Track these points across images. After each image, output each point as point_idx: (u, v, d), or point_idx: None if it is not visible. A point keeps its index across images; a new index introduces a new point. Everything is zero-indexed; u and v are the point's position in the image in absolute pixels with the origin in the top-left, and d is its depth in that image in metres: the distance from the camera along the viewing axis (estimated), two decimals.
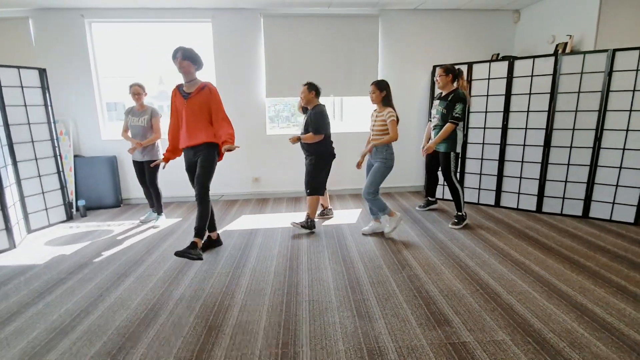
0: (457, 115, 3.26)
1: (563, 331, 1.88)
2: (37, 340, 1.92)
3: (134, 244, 3.27)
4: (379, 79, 4.65)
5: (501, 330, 1.90)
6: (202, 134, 2.72)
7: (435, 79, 3.60)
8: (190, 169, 2.88)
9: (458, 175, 3.63)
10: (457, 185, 3.45)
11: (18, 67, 3.54)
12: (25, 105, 3.59)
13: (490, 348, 1.76)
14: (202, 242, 2.73)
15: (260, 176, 4.82)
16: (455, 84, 3.39)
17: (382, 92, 3.08)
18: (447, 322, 1.98)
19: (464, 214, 3.53)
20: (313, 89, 3.37)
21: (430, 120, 3.69)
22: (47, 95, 3.79)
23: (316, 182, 3.44)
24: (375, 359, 1.70)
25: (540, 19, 4.38)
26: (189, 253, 2.49)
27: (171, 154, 2.97)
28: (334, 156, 3.53)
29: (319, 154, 3.41)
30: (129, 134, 3.68)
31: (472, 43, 4.74)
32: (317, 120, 3.31)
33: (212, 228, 3.10)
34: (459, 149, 3.43)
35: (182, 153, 2.95)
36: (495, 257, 2.82)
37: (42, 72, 3.74)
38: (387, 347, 1.78)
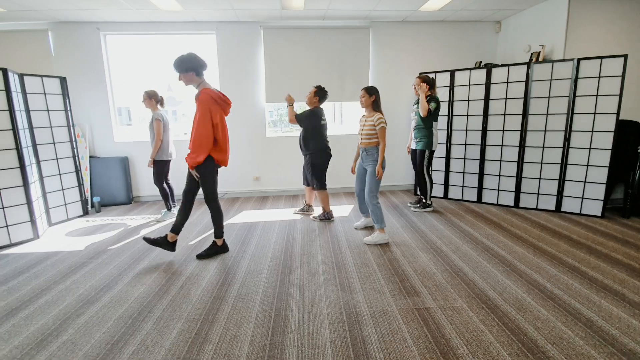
0: (430, 107, 3.84)
1: (513, 300, 2.22)
2: (67, 307, 2.28)
3: (146, 234, 3.63)
4: (369, 83, 5.05)
5: (461, 299, 2.24)
6: (197, 146, 2.75)
7: (413, 86, 4.08)
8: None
9: (431, 170, 4.16)
10: (427, 178, 4.06)
11: (41, 76, 3.93)
12: (48, 110, 3.98)
13: (449, 312, 2.10)
14: (222, 239, 3.02)
15: (261, 175, 5.18)
16: (429, 91, 3.90)
17: (372, 97, 3.24)
18: (416, 293, 2.32)
19: (430, 202, 4.15)
20: (318, 94, 3.75)
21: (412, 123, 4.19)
22: (67, 101, 4.18)
23: (320, 177, 3.81)
24: (352, 320, 2.05)
25: (518, 30, 4.75)
26: (207, 255, 2.92)
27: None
28: (329, 155, 3.85)
29: (314, 151, 3.76)
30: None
31: (456, 52, 5.10)
32: (304, 115, 3.75)
33: (217, 234, 3.02)
34: (434, 148, 3.97)
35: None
36: (469, 244, 3.15)
37: (63, 80, 4.13)
38: (363, 311, 2.13)
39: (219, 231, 3.00)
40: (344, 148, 4.95)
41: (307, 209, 4.21)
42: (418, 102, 4.00)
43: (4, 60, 4.53)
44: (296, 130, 5.46)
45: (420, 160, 4.07)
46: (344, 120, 6.33)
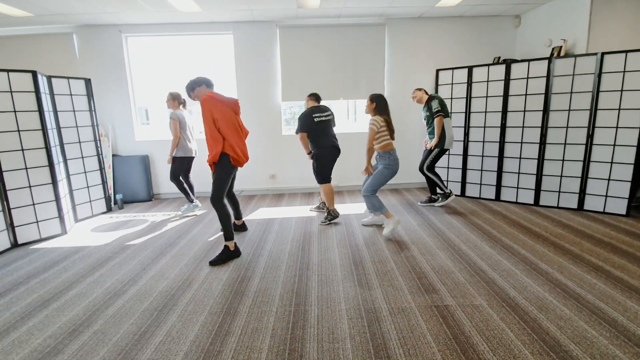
0: (437, 109, 3.85)
1: (534, 299, 2.19)
2: (96, 300, 2.38)
3: (167, 230, 3.73)
4: (385, 83, 5.04)
5: (480, 297, 2.23)
6: (209, 147, 2.86)
7: (412, 97, 4.21)
8: None
9: (433, 167, 4.17)
10: (433, 175, 4.09)
11: (67, 78, 4.08)
12: (74, 111, 4.13)
13: (468, 310, 2.10)
14: (233, 242, 2.95)
15: (276, 173, 5.24)
16: (425, 94, 4.08)
17: (372, 104, 3.31)
18: (435, 291, 2.32)
19: (449, 190, 4.21)
20: (311, 96, 3.84)
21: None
22: (92, 102, 4.32)
23: (322, 171, 3.79)
24: (371, 316, 2.07)
25: (538, 24, 4.64)
26: (220, 260, 2.87)
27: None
28: (336, 150, 3.80)
29: (318, 148, 3.76)
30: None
31: (474, 47, 5.03)
32: (299, 120, 3.78)
33: (227, 236, 2.99)
34: (446, 146, 4.02)
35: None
36: (487, 242, 3.12)
37: (88, 82, 4.28)
38: (381, 308, 2.14)
39: (227, 234, 2.92)
40: (357, 146, 4.96)
41: (323, 207, 4.23)
42: (426, 104, 4.10)
43: (33, 63, 4.72)
44: None
45: (425, 156, 4.13)
46: (357, 118, 6.33)
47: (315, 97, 3.83)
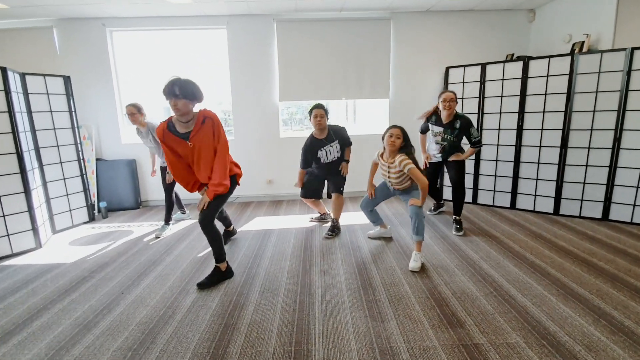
0: (477, 138, 3.28)
1: (579, 334, 1.86)
2: (62, 334, 2.02)
3: (153, 244, 3.38)
4: (390, 82, 4.70)
5: (515, 332, 1.89)
6: (223, 174, 2.47)
7: (443, 105, 3.21)
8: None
9: None
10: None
11: (44, 75, 3.71)
12: (51, 112, 3.76)
13: (503, 350, 1.76)
14: (225, 263, 2.61)
15: (274, 178, 4.89)
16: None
17: (403, 141, 2.74)
18: (460, 324, 1.98)
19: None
20: (327, 114, 3.33)
21: (436, 141, 3.47)
22: (72, 101, 3.96)
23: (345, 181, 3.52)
24: (387, 358, 1.72)
25: (556, 18, 4.32)
26: (210, 283, 2.51)
27: (200, 186, 2.60)
28: None
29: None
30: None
31: (485, 44, 4.70)
32: (346, 133, 3.46)
33: (218, 258, 2.63)
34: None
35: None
36: (511, 259, 2.79)
37: (67, 80, 3.91)
38: (399, 348, 1.80)
39: (219, 255, 2.56)
40: (358, 150, 4.61)
41: (325, 217, 3.89)
42: (445, 126, 3.31)
43: (9, 59, 4.35)
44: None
45: (463, 171, 3.45)
46: (357, 119, 5.97)
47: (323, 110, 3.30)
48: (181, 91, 2.16)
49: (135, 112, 3.33)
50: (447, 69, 4.46)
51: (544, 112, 3.76)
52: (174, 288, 2.51)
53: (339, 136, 3.35)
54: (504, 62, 3.97)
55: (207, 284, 2.49)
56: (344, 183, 3.47)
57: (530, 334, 1.88)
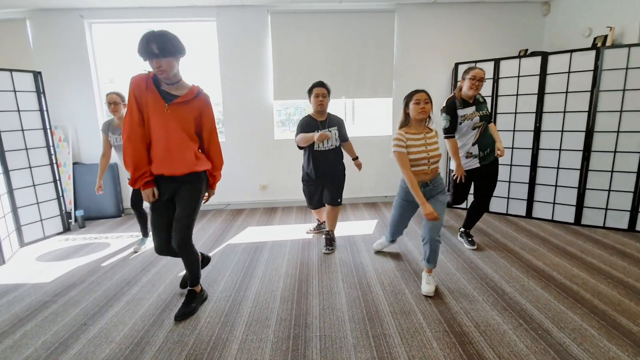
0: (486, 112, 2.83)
1: None
2: None
3: (130, 260, 3.00)
4: (394, 79, 4.35)
5: None
6: (191, 157, 1.93)
7: (470, 84, 2.67)
8: (165, 205, 2.00)
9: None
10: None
11: (10, 70, 3.33)
12: (19, 111, 3.38)
13: None
14: (199, 286, 2.24)
15: (268, 183, 4.53)
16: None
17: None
18: None
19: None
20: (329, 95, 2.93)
21: (474, 126, 2.78)
22: (43, 99, 3.57)
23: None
24: None
25: (573, 11, 3.98)
26: (190, 311, 2.13)
27: (149, 175, 1.93)
28: None
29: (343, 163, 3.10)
30: (112, 155, 3.09)
31: (496, 38, 4.35)
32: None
33: (195, 281, 2.21)
34: None
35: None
36: (536, 280, 2.44)
37: (37, 75, 3.53)
38: None
39: (198, 277, 2.20)
40: (358, 151, 4.25)
41: (322, 225, 3.53)
42: (476, 102, 2.77)
43: None
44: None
45: (492, 187, 2.92)
46: (356, 120, 5.62)
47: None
48: (160, 48, 1.77)
49: (119, 102, 2.91)
50: (457, 65, 4.11)
51: (564, 112, 3.41)
52: (146, 317, 2.13)
53: (338, 124, 2.97)
54: (519, 57, 3.62)
55: (186, 314, 2.12)
56: (342, 191, 3.07)
57: None
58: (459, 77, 3.99)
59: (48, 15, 4.02)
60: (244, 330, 1.98)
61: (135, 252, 3.16)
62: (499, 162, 2.98)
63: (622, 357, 1.67)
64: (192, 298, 2.20)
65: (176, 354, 1.80)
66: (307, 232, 3.52)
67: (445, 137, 2.77)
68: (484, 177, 2.88)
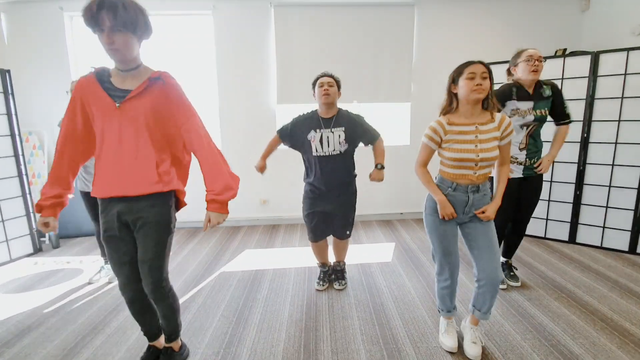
0: (568, 108, 2.25)
1: None
2: None
3: (108, 290, 2.51)
4: (412, 80, 3.86)
5: None
6: (151, 173, 1.42)
7: (529, 67, 2.14)
8: (120, 236, 1.47)
9: None
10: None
11: None
12: None
13: None
14: (178, 341, 1.75)
15: (269, 198, 4.03)
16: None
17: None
18: None
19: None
20: (340, 89, 2.32)
21: (525, 125, 2.23)
22: (11, 101, 3.11)
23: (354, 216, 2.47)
24: None
25: (617, 6, 3.49)
26: None
27: (58, 199, 1.48)
28: None
29: (354, 176, 2.41)
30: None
31: (528, 36, 3.87)
32: (361, 122, 2.31)
33: (155, 335, 1.74)
34: None
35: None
36: (607, 334, 1.91)
37: (4, 74, 3.07)
38: None
39: (177, 329, 1.71)
40: (369, 161, 3.74)
41: (330, 271, 2.60)
42: (533, 97, 2.20)
43: None
44: None
45: (540, 192, 2.37)
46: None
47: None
48: (115, 17, 1.25)
49: None
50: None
51: (619, 120, 2.90)
52: None
53: (349, 123, 2.25)
54: (563, 56, 3.12)
55: None
56: (353, 222, 2.44)
57: None
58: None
59: (25, 7, 3.58)
60: None
61: (90, 283, 2.65)
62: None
63: None
64: (170, 358, 1.69)
65: None
66: (316, 290, 2.49)
67: None
68: (526, 191, 2.33)
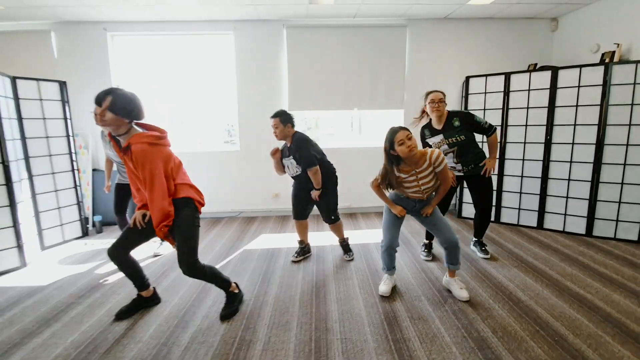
0: (488, 124, 2.75)
1: None
2: None
3: (150, 264, 3.07)
4: (405, 89, 4.46)
5: None
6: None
7: (432, 108, 2.70)
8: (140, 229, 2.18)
9: None
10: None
11: (37, 80, 3.47)
12: (44, 119, 3.51)
13: None
14: (234, 283, 2.35)
15: (281, 192, 4.60)
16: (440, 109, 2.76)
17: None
18: None
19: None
20: (290, 121, 2.81)
21: (444, 152, 2.82)
22: (67, 108, 3.71)
23: (336, 206, 3.02)
24: None
25: (580, 27, 4.09)
26: (233, 310, 2.24)
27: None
28: (336, 176, 3.03)
29: (329, 177, 2.93)
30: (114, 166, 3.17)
31: (506, 53, 4.47)
32: (302, 148, 2.76)
33: (143, 285, 2.28)
34: None
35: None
36: (551, 289, 2.47)
37: (62, 85, 3.67)
38: None
39: (224, 282, 2.25)
40: (365, 163, 4.33)
41: (306, 248, 3.17)
42: (444, 130, 2.75)
43: (3, 63, 4.12)
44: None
45: (488, 188, 2.87)
46: (363, 130, 5.70)
47: (290, 119, 2.88)
48: (114, 102, 1.81)
49: None
50: (467, 78, 4.21)
51: (575, 124, 3.49)
52: (170, 319, 2.20)
53: (296, 152, 2.77)
54: (529, 71, 3.72)
55: (230, 314, 2.21)
56: (334, 207, 2.97)
57: None
58: (471, 90, 4.11)
59: (72, 27, 4.19)
60: (266, 333, 2.03)
61: (156, 255, 3.24)
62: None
63: None
64: (233, 298, 2.29)
65: (202, 354, 1.86)
66: (292, 262, 3.06)
67: None
68: (473, 188, 2.95)
